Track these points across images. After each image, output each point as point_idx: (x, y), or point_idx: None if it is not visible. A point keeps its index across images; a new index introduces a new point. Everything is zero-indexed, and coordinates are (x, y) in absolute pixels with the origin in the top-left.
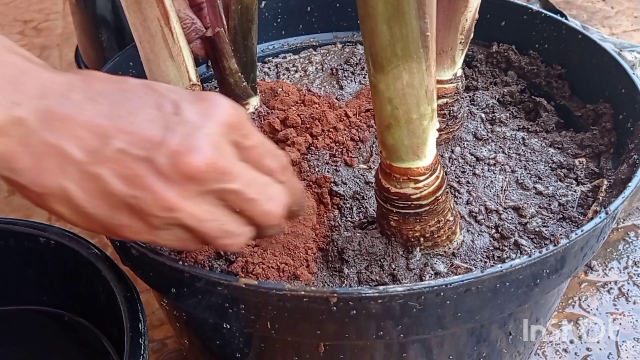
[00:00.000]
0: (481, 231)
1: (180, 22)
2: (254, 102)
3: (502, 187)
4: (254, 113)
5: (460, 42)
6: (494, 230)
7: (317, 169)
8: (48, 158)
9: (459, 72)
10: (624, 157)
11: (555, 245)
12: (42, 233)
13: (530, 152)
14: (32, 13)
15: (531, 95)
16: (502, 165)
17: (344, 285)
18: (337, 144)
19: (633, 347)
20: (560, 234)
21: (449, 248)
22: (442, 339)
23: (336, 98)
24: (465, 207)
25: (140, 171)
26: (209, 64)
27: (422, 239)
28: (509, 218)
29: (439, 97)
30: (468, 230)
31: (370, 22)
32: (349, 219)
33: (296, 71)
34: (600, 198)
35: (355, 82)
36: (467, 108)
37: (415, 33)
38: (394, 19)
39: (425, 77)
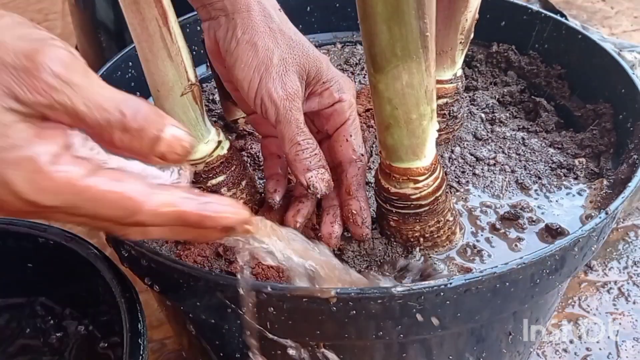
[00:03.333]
0: None
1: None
2: None
3: (502, 187)
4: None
5: (460, 42)
6: None
7: None
8: None
9: (459, 72)
10: (624, 157)
11: (554, 245)
12: (41, 233)
13: (530, 152)
14: (31, 13)
15: (531, 95)
16: (502, 165)
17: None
18: None
19: (633, 347)
20: None
21: (449, 248)
22: (442, 339)
23: None
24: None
25: None
26: (209, 64)
27: (421, 239)
28: None
29: (438, 97)
30: None
31: (369, 22)
32: None
33: None
34: (600, 198)
35: (355, 82)
36: (467, 108)
37: (414, 33)
38: (394, 19)
39: (425, 77)
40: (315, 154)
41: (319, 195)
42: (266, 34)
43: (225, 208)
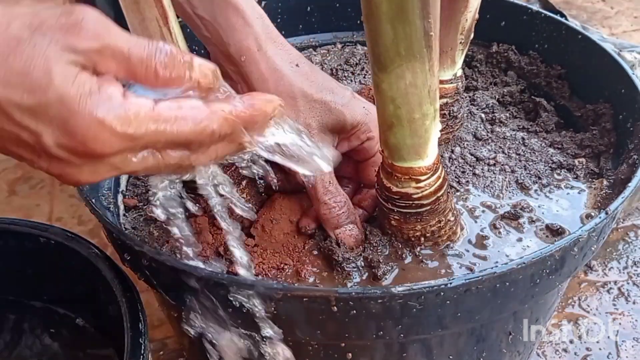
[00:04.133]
0: None
1: None
2: None
3: (502, 187)
4: None
5: (461, 42)
6: None
7: None
8: None
9: (459, 72)
10: (624, 157)
11: (554, 244)
12: (43, 233)
13: (530, 152)
14: None
15: (531, 95)
16: (502, 165)
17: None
18: None
19: (633, 347)
20: None
21: (450, 247)
22: (442, 339)
23: None
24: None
25: None
26: None
27: (422, 239)
28: None
29: (439, 97)
30: None
31: (373, 21)
32: None
33: None
34: (600, 198)
35: (355, 82)
36: (467, 108)
37: (419, 33)
38: (398, 18)
39: (428, 77)
40: (343, 212)
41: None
42: (288, 104)
43: (264, 98)
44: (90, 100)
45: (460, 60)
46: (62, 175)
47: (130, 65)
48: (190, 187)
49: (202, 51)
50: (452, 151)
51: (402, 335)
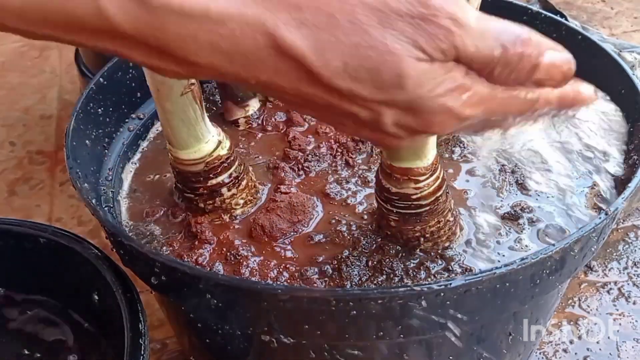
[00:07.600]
0: None
1: None
2: (254, 103)
3: (502, 187)
4: (254, 114)
5: None
6: None
7: (317, 169)
8: None
9: None
10: (624, 157)
11: (554, 245)
12: (42, 234)
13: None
14: None
15: None
16: (502, 165)
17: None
18: (338, 145)
19: (633, 347)
20: None
21: (449, 248)
22: (442, 339)
23: None
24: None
25: None
26: None
27: (422, 239)
28: None
29: None
30: None
31: None
32: None
33: None
34: (600, 198)
35: None
36: None
37: None
38: None
39: None
40: None
41: None
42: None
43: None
44: (439, 90)
45: None
46: (381, 142)
47: (469, 64)
48: (189, 187)
49: None
50: (452, 152)
51: (402, 335)
